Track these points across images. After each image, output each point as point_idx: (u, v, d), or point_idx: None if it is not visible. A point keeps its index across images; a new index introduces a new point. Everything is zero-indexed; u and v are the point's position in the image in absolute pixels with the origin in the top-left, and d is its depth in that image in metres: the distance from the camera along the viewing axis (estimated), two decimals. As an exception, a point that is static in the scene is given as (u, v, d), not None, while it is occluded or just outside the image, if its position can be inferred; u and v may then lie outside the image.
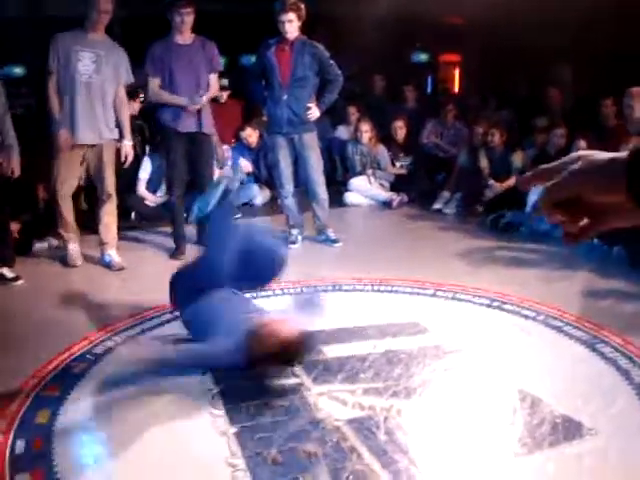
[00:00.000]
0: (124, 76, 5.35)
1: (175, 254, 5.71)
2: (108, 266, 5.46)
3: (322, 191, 5.93)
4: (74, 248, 5.50)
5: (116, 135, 5.42)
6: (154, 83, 5.56)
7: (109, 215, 5.51)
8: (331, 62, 5.65)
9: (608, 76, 7.78)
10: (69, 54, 5.09)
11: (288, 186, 5.90)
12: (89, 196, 6.34)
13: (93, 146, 5.30)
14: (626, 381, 3.37)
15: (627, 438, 2.86)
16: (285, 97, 5.60)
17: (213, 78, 5.68)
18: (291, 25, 5.46)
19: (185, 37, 5.51)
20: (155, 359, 3.50)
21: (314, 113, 5.69)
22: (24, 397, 3.32)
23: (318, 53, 5.59)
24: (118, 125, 5.41)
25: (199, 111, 5.54)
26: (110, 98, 5.30)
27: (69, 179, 5.35)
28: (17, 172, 5.10)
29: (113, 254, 5.50)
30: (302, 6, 5.49)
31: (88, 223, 5.91)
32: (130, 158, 5.53)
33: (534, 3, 8.04)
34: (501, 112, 8.36)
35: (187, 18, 5.40)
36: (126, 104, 5.48)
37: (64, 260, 5.52)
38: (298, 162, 5.93)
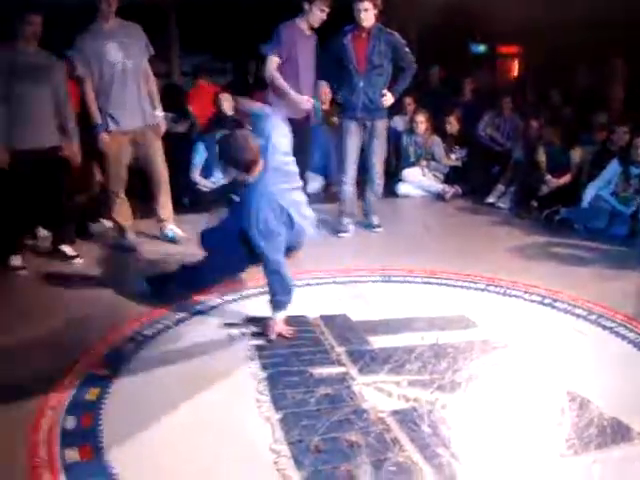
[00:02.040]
0: (146, 51, 5.40)
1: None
2: (172, 240, 5.63)
3: (380, 178, 6.01)
4: (130, 235, 5.60)
5: (158, 118, 5.50)
6: (272, 61, 5.75)
7: (164, 194, 5.64)
8: (406, 49, 5.71)
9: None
10: (95, 51, 5.14)
11: (351, 172, 5.92)
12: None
13: (136, 132, 5.38)
14: (679, 385, 3.30)
15: (677, 444, 2.80)
16: (361, 84, 5.65)
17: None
18: (367, 13, 5.51)
19: (310, 30, 5.79)
20: None
21: (389, 99, 5.74)
22: (75, 375, 3.40)
23: (394, 40, 5.64)
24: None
25: None
26: (143, 80, 5.38)
27: (120, 169, 5.44)
28: (78, 160, 5.24)
29: (174, 228, 5.69)
30: None
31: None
32: (163, 128, 5.58)
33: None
34: (562, 107, 8.19)
35: (324, 15, 5.69)
36: (152, 76, 5.52)
37: (120, 246, 5.60)
38: (363, 149, 5.97)
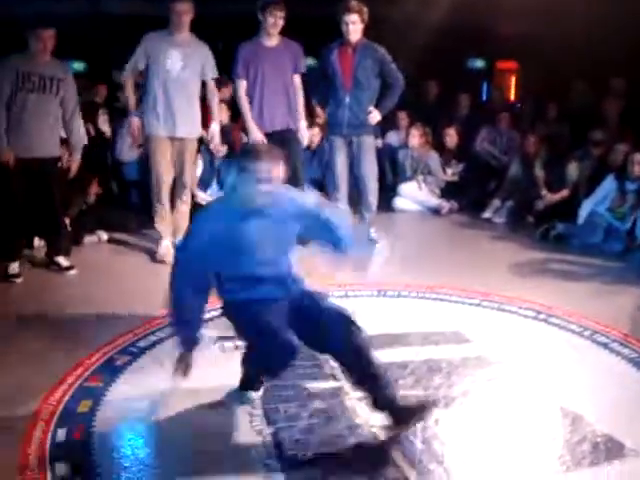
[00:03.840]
0: (210, 72, 5.52)
1: None
2: None
3: (373, 195, 5.93)
4: (166, 244, 5.58)
5: (199, 131, 5.64)
6: (241, 86, 5.68)
7: (185, 204, 5.72)
8: (392, 66, 5.67)
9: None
10: (158, 53, 5.30)
11: (343, 187, 5.88)
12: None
13: (179, 140, 5.49)
14: (673, 402, 3.30)
15: (671, 461, 2.80)
16: (347, 99, 5.64)
17: (297, 80, 5.75)
18: (354, 27, 5.50)
19: (273, 39, 5.62)
20: None
21: (375, 116, 5.71)
22: (68, 386, 3.39)
23: (380, 56, 5.62)
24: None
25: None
26: (196, 94, 5.51)
27: (165, 170, 5.51)
28: (74, 172, 5.27)
29: None
30: (365, 9, 5.53)
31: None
32: (217, 140, 5.78)
33: (593, 17, 7.94)
34: (559, 123, 8.21)
35: (279, 21, 5.53)
36: (216, 94, 5.70)
37: (152, 254, 5.62)
38: (352, 165, 5.91)
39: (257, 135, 5.64)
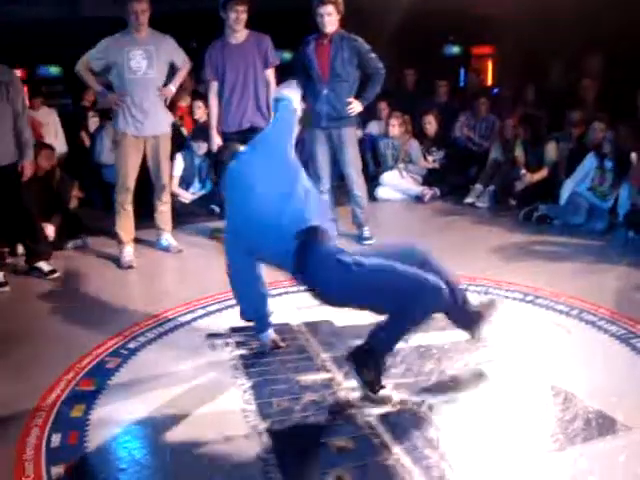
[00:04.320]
0: (180, 61, 5.51)
1: None
2: (166, 249, 5.71)
3: (359, 188, 5.84)
4: (129, 250, 5.53)
5: (169, 125, 5.61)
6: (211, 88, 5.65)
7: (165, 204, 5.69)
8: (371, 55, 5.59)
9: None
10: (120, 55, 5.25)
11: (325, 180, 5.81)
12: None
13: (153, 138, 5.45)
14: (661, 376, 3.33)
15: (662, 434, 2.83)
16: (325, 92, 5.57)
17: (270, 73, 5.67)
18: (330, 18, 5.42)
19: (239, 36, 5.54)
20: None
21: (355, 108, 5.64)
22: (60, 391, 3.38)
23: (357, 46, 5.53)
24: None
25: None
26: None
27: (131, 172, 5.44)
28: (27, 175, 5.11)
29: (170, 238, 5.76)
30: (340, 0, 5.44)
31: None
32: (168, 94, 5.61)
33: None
34: (537, 105, 8.25)
35: (242, 16, 5.43)
36: (187, 67, 5.63)
37: (117, 261, 5.53)
38: (336, 158, 5.85)
39: (216, 142, 5.65)
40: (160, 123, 5.49)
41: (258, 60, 5.58)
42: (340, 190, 6.30)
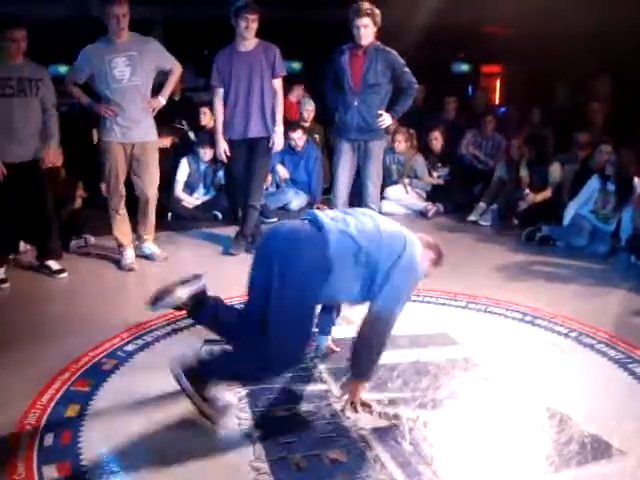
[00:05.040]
0: (167, 63, 5.42)
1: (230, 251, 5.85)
2: (150, 258, 5.61)
3: (374, 202, 5.74)
4: (130, 253, 5.52)
5: (155, 133, 5.51)
6: (217, 94, 5.65)
7: (151, 210, 5.59)
8: (405, 69, 5.53)
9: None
10: (102, 64, 5.16)
11: (341, 194, 5.74)
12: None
13: (138, 145, 5.37)
14: (658, 403, 3.32)
15: (657, 461, 2.82)
16: (356, 103, 5.51)
17: (277, 83, 5.65)
18: (366, 30, 5.37)
19: (248, 44, 5.54)
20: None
21: (386, 120, 5.56)
22: (55, 390, 3.37)
23: (391, 59, 5.48)
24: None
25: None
26: (149, 96, 5.38)
27: (120, 178, 5.40)
28: (50, 161, 5.18)
29: (152, 246, 5.66)
30: (377, 11, 5.39)
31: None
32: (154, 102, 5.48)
33: (575, 16, 8.01)
34: (543, 126, 8.27)
35: (252, 24, 5.43)
36: (178, 72, 5.54)
37: (118, 263, 5.53)
38: (358, 170, 5.77)
39: (222, 147, 5.67)
40: (147, 131, 5.40)
41: (265, 69, 5.57)
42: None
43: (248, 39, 5.51)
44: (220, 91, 5.63)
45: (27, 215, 5.12)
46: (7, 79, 4.82)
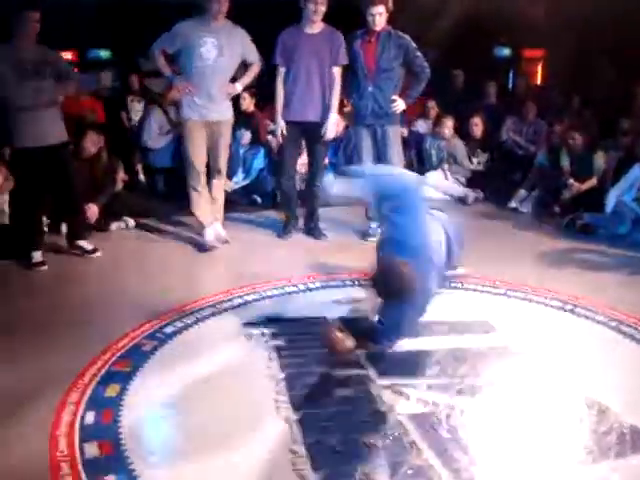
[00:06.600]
0: (250, 55, 5.50)
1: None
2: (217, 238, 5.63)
3: None
4: (211, 231, 5.56)
5: (231, 113, 5.61)
6: (279, 73, 5.65)
7: (218, 190, 5.69)
8: (418, 54, 5.55)
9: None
10: (192, 41, 5.25)
11: None
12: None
13: (215, 123, 5.46)
14: (701, 395, 3.27)
15: (698, 453, 2.78)
16: (370, 88, 5.54)
17: (337, 72, 5.61)
18: (380, 17, 5.41)
19: (315, 27, 5.54)
20: None
21: (399, 105, 5.59)
22: (96, 370, 3.43)
23: (404, 44, 5.50)
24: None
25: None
26: (228, 80, 5.48)
27: (199, 155, 5.47)
28: (70, 90, 5.30)
29: (219, 227, 5.67)
30: None
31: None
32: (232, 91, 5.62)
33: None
34: (583, 112, 8.14)
35: (321, 7, 5.43)
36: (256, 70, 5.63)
37: (198, 244, 5.59)
38: (379, 156, 5.75)
39: (282, 126, 5.67)
40: (224, 110, 5.51)
41: (328, 55, 5.56)
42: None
43: (315, 22, 5.51)
44: (282, 70, 5.63)
45: (55, 197, 5.21)
46: (23, 63, 4.83)
